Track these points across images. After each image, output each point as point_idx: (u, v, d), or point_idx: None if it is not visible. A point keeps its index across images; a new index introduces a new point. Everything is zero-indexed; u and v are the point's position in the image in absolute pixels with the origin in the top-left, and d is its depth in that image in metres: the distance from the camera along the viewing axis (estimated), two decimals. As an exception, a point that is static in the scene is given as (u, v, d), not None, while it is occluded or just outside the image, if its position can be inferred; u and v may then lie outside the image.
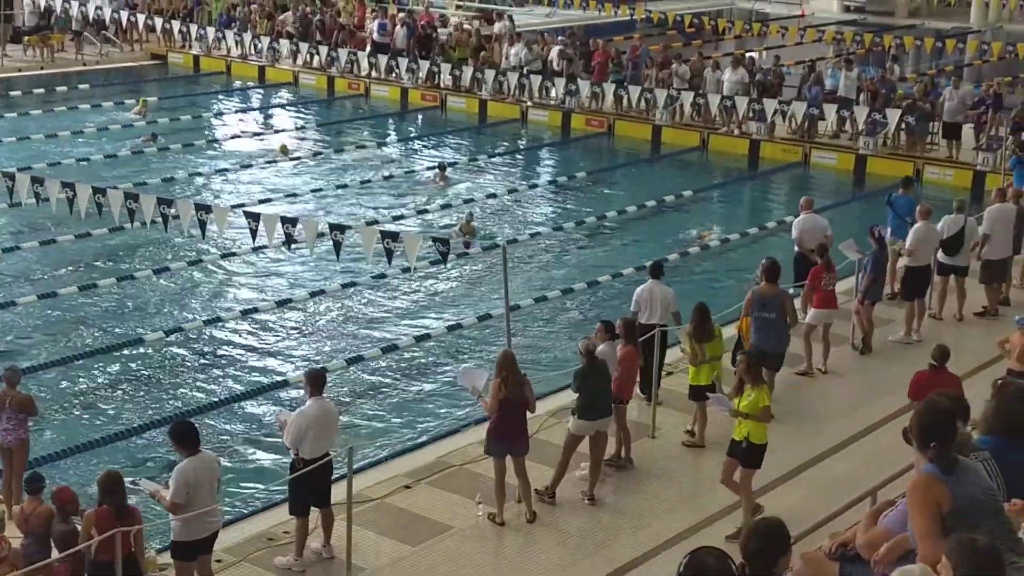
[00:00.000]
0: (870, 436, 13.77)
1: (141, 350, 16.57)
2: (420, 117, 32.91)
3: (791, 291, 15.49)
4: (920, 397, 12.91)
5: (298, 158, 27.56)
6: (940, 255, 17.19)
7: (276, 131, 30.35)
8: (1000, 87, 28.07)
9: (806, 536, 8.33)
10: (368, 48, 34.62)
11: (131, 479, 11.28)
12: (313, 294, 18.91)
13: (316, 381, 11.19)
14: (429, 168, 26.68)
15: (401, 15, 36.84)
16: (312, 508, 11.19)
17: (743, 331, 14.48)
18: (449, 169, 26.43)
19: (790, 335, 14.67)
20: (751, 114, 28.51)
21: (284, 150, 27.95)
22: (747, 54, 33.42)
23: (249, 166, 26.65)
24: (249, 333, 17.51)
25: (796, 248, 17.41)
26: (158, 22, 37.28)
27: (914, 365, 15.64)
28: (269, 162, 26.97)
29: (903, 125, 27.30)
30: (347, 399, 15.32)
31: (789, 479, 12.79)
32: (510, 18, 37.36)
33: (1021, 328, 13.61)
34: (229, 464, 13.20)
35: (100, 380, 15.86)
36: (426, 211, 23.73)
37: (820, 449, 13.48)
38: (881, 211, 19.36)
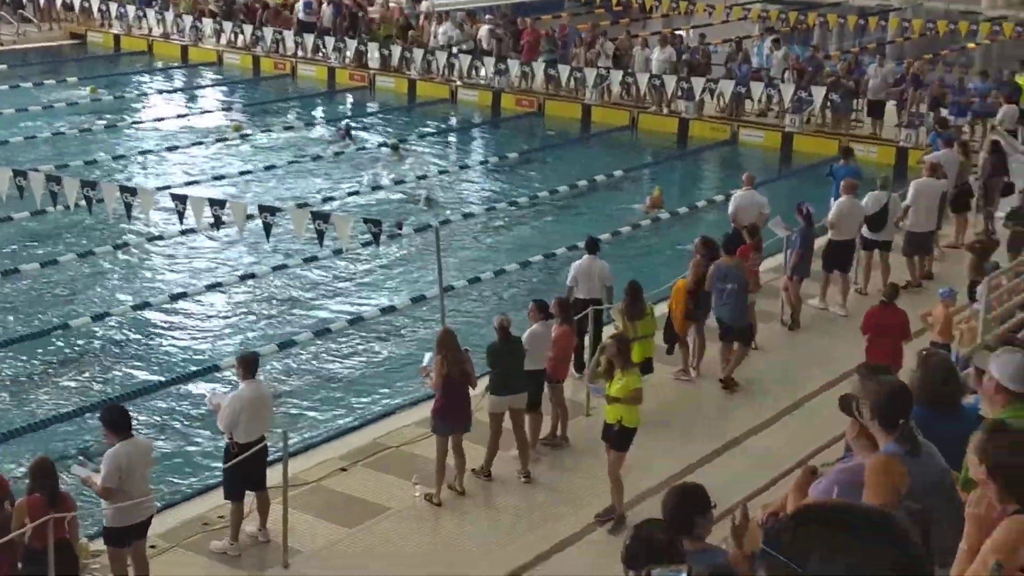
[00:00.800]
0: (800, 410, 13.99)
1: (68, 336, 16.30)
2: (348, 97, 32.66)
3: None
4: (872, 331, 13.48)
5: (227, 139, 27.26)
6: (865, 230, 17.45)
7: (202, 112, 29.94)
8: (920, 67, 28.50)
9: (738, 507, 8.41)
10: (294, 27, 34.26)
11: (64, 465, 11.13)
12: (244, 277, 18.73)
13: (248, 364, 11.11)
14: (336, 130, 27.12)
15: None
16: (247, 492, 11.12)
17: (673, 310, 14.58)
18: (376, 149, 26.30)
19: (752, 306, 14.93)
20: (679, 93, 28.68)
21: (237, 128, 27.73)
22: (675, 32, 33.57)
23: (175, 148, 26.26)
24: (179, 317, 17.30)
25: (733, 223, 17.63)
26: (76, 0, 36.55)
27: (841, 339, 16.00)
28: (195, 143, 26.61)
29: (828, 103, 27.65)
30: (281, 383, 15.20)
31: (722, 453, 12.95)
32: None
33: (944, 300, 13.88)
34: (162, 449, 13.07)
35: (27, 366, 15.58)
36: (356, 192, 23.57)
37: (752, 423, 13.66)
38: (808, 188, 19.64)
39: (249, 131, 27.95)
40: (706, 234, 15.35)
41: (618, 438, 11.51)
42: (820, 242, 17.43)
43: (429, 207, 22.59)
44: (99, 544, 10.53)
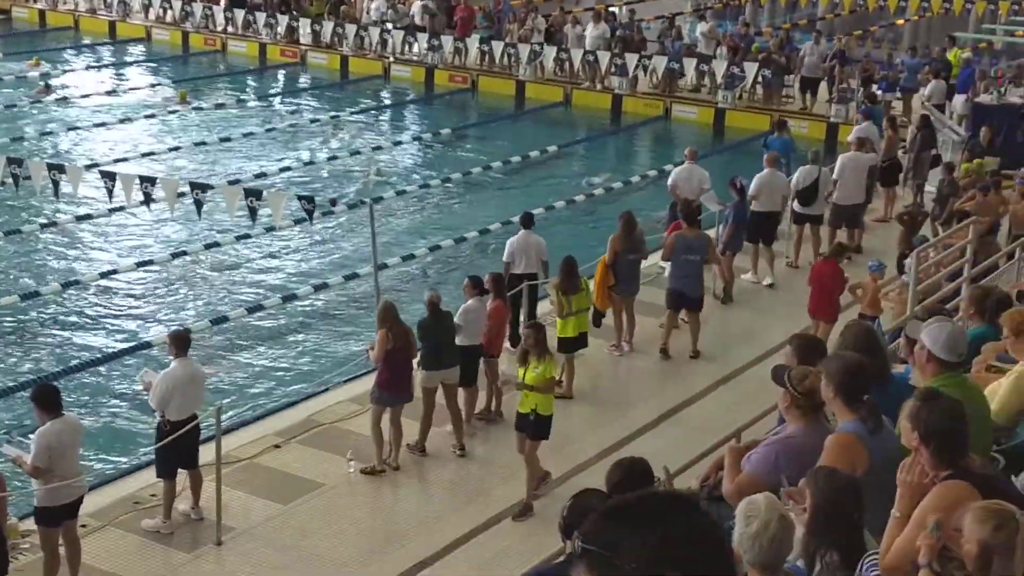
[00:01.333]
0: (733, 381, 14.12)
1: (-5, 315, 16.03)
2: (280, 74, 32.34)
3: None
4: (813, 283, 14.24)
5: (175, 109, 26.98)
6: (795, 205, 17.65)
7: (130, 88, 29.48)
8: (847, 43, 28.82)
9: (676, 476, 8.52)
10: (224, 2, 33.83)
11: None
12: (175, 255, 18.51)
13: (180, 341, 11.02)
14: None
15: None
16: (180, 470, 11.03)
17: (598, 284, 14.51)
18: (308, 126, 26.13)
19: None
20: (613, 69, 28.76)
21: (183, 97, 27.38)
22: (608, 8, 33.63)
23: (103, 124, 25.86)
24: (109, 295, 17.08)
25: (671, 195, 17.78)
26: (1, -25, 35.84)
27: (772, 312, 16.20)
28: (123, 120, 26.22)
29: (760, 79, 27.87)
30: (214, 360, 15.06)
31: (657, 424, 13.06)
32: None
33: (873, 273, 14.07)
34: (93, 427, 12.92)
35: (-48, 347, 15.31)
36: (288, 169, 23.37)
37: (686, 395, 13.78)
38: (741, 163, 19.79)
39: (193, 100, 27.58)
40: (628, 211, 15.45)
41: (536, 427, 11.33)
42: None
43: (378, 180, 22.53)
44: (29, 524, 10.39)
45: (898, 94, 26.41)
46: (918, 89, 26.03)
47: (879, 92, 25.16)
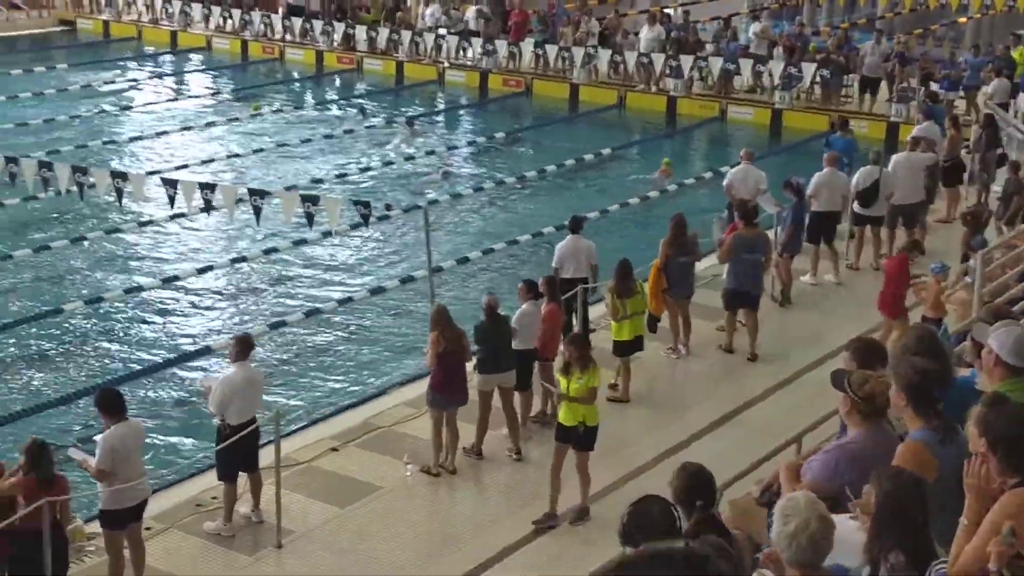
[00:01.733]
0: (792, 384, 14.01)
1: (61, 320, 16.28)
2: (337, 80, 32.58)
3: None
4: (884, 277, 14.18)
5: (252, 116, 27.50)
6: (856, 206, 17.45)
7: (190, 96, 29.86)
8: (906, 42, 28.43)
9: (734, 483, 8.46)
10: (282, 11, 34.16)
11: (60, 449, 11.13)
12: (234, 260, 18.71)
13: (243, 345, 11.15)
14: (404, 123, 26.87)
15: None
16: (240, 473, 11.14)
17: (652, 287, 14.44)
18: (365, 132, 26.32)
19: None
20: (668, 71, 28.64)
21: (257, 107, 27.93)
22: (663, 10, 33.52)
23: (165, 132, 26.21)
24: (170, 301, 17.29)
25: (727, 196, 17.72)
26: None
27: (832, 315, 16.04)
28: (184, 128, 26.56)
29: (818, 79, 27.62)
30: (272, 364, 15.20)
31: (715, 428, 12.99)
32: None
33: (936, 275, 13.85)
34: (155, 431, 13.10)
35: (20, 351, 15.56)
36: (344, 175, 23.54)
37: (744, 398, 13.69)
38: (798, 164, 19.61)
39: (235, 116, 27.89)
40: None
41: (584, 439, 11.11)
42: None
43: (446, 181, 22.91)
44: (95, 526, 10.54)
45: (961, 93, 26.04)
46: (981, 87, 25.65)
47: (941, 91, 24.85)
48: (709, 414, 13.31)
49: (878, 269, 17.71)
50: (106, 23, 36.31)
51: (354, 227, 18.47)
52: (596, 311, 15.30)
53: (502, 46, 30.82)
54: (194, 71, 33.12)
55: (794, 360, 14.68)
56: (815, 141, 26.14)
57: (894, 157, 18.24)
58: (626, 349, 13.70)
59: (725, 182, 17.87)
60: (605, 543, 10.06)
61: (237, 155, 24.72)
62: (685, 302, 14.84)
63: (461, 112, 30.40)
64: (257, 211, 15.32)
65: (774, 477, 6.89)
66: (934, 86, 25.37)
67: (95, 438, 10.23)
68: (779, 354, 14.97)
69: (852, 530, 5.23)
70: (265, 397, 11.86)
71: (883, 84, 27.29)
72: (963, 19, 39.69)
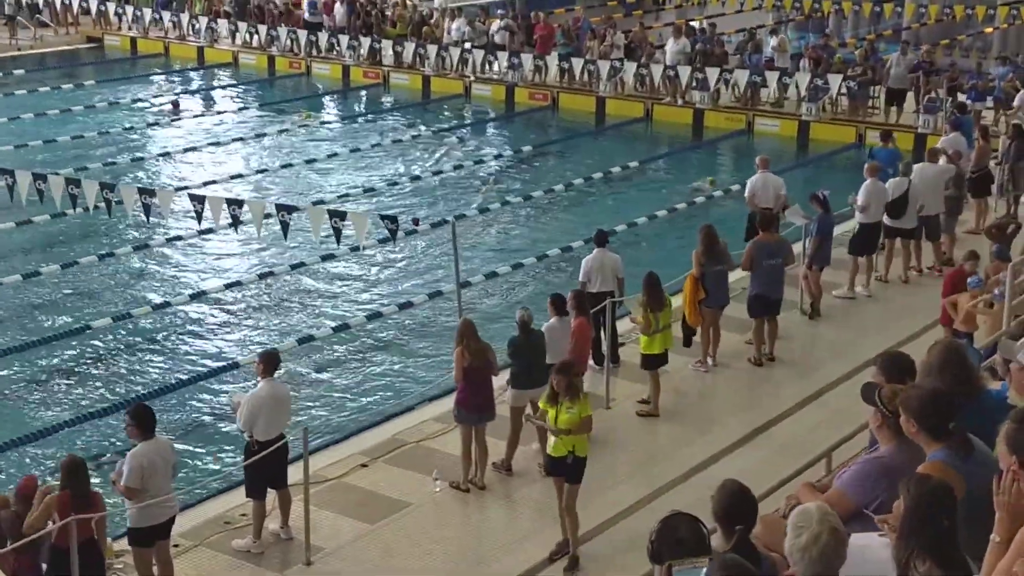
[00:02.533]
0: (822, 399, 13.93)
1: (89, 337, 16.36)
2: (363, 94, 32.69)
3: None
4: (952, 288, 13.99)
5: (304, 126, 27.97)
6: (885, 218, 17.33)
7: (218, 112, 30.02)
8: (931, 54, 28.26)
9: (764, 498, 8.39)
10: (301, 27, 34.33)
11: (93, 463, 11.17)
12: (262, 276, 18.76)
13: (270, 361, 11.19)
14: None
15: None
16: (269, 490, 11.14)
17: (688, 298, 14.45)
18: (392, 146, 26.41)
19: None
20: (694, 83, 28.60)
21: (308, 116, 28.38)
22: (689, 23, 33.49)
23: (193, 148, 26.35)
24: (198, 317, 17.35)
25: (749, 206, 17.68)
26: (93, 4, 36.70)
27: (861, 328, 15.95)
28: (212, 143, 26.69)
29: (844, 91, 27.52)
30: (300, 379, 15.23)
31: (745, 443, 12.92)
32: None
33: (972, 290, 13.72)
34: (184, 448, 13.13)
35: (50, 367, 15.65)
36: (372, 189, 23.60)
37: (774, 413, 13.62)
38: (826, 175, 19.52)
39: (262, 131, 28.02)
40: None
41: (573, 470, 10.76)
42: (840, 229, 17.37)
43: (494, 188, 23.46)
44: (123, 544, 10.57)
45: (989, 103, 25.87)
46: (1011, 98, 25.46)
47: (969, 102, 24.69)
48: (738, 429, 13.24)
49: (907, 281, 17.64)
50: (133, 40, 36.54)
51: (382, 242, 18.49)
52: (624, 325, 15.25)
53: (528, 60, 30.86)
54: (221, 87, 33.30)
55: (823, 374, 14.60)
56: (841, 153, 26.13)
57: (915, 168, 18.11)
58: (655, 362, 13.67)
59: (747, 193, 17.90)
60: (639, 557, 10.04)
61: (264, 170, 24.83)
62: (718, 312, 14.81)
63: (488, 126, 30.42)
64: (285, 226, 15.37)
65: (797, 498, 6.83)
66: (961, 97, 25.20)
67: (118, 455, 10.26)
68: (808, 367, 14.90)
69: (882, 547, 5.18)
70: (294, 412, 11.87)
71: (909, 95, 27.14)
72: (989, 29, 39.46)
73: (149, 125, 28.49)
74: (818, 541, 4.71)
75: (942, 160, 18.30)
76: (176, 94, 31.51)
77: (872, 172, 17.11)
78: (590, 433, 10.96)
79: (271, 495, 11.19)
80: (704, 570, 4.99)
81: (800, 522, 4.80)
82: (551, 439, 10.85)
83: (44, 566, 9.53)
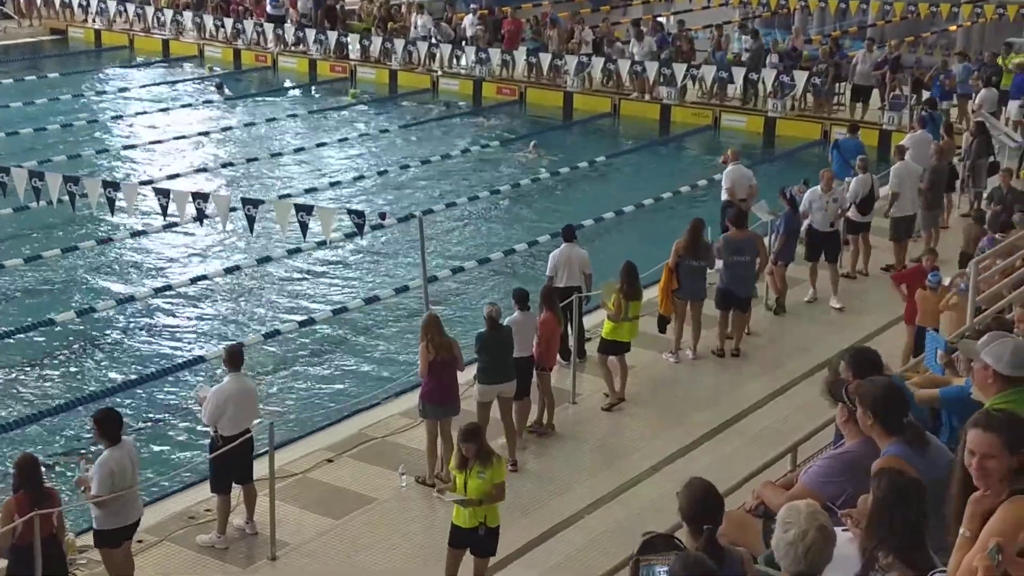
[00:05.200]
0: (788, 393, 13.99)
1: (52, 331, 16.20)
2: (330, 89, 32.52)
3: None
4: (903, 281, 14.19)
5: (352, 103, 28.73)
6: (853, 213, 17.38)
7: (183, 105, 29.80)
8: (898, 49, 28.41)
9: (731, 493, 8.41)
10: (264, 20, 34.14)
11: (51, 461, 11.05)
12: (228, 270, 18.65)
13: (234, 356, 11.11)
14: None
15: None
16: (234, 484, 11.08)
17: (662, 287, 14.56)
18: (358, 140, 26.32)
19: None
20: (661, 79, 28.66)
21: (354, 95, 29.53)
22: (656, 19, 33.54)
23: (158, 142, 26.15)
24: (163, 311, 17.22)
25: (725, 197, 17.74)
26: (57, -4, 36.39)
27: (826, 323, 16.06)
28: (177, 137, 26.49)
29: (810, 87, 27.65)
30: (266, 374, 15.15)
31: (711, 437, 12.97)
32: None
33: (929, 285, 13.81)
34: (148, 443, 13.05)
35: (11, 363, 15.48)
36: (338, 183, 23.51)
37: (741, 407, 13.68)
38: (793, 172, 19.62)
39: (229, 125, 27.85)
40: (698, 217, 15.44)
41: (484, 543, 9.86)
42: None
43: (538, 156, 24.67)
44: (85, 539, 10.48)
45: (954, 101, 26.05)
46: (972, 95, 25.66)
47: (937, 99, 24.86)
48: (705, 423, 13.28)
49: (867, 275, 17.73)
50: (97, 32, 36.24)
51: (348, 236, 18.43)
52: (590, 320, 15.27)
53: (495, 54, 30.82)
54: (186, 80, 33.04)
55: (789, 368, 14.67)
56: (807, 149, 26.26)
57: (895, 167, 18.12)
58: (615, 349, 13.74)
59: (726, 184, 17.97)
60: (608, 551, 10.06)
61: (231, 164, 24.67)
62: (698, 305, 14.89)
63: (455, 120, 30.34)
64: (251, 220, 15.26)
65: (755, 499, 6.84)
66: (926, 94, 25.36)
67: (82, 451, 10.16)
68: (774, 363, 14.96)
69: (844, 542, 5.20)
70: (260, 407, 11.79)
71: (875, 92, 27.30)
72: (953, 27, 39.78)
73: (114, 118, 28.24)
74: (804, 538, 4.73)
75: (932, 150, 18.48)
76: (216, 76, 32.30)
77: (827, 182, 16.86)
78: (502, 501, 9.90)
79: (236, 490, 11.12)
80: (666, 567, 5.02)
81: (788, 518, 4.82)
82: (458, 509, 9.80)
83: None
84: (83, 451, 12.05)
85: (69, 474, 11.62)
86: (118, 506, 9.80)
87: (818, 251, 16.75)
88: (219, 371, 12.18)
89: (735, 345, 15.08)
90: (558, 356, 13.87)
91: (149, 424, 13.92)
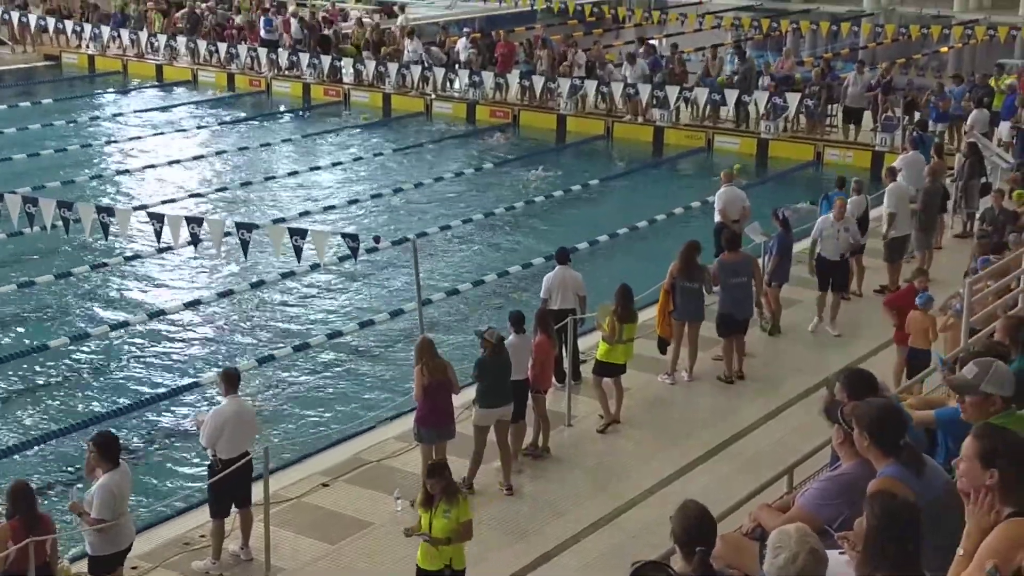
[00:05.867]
0: (783, 415, 13.98)
1: (46, 357, 16.16)
2: (324, 113, 32.57)
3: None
4: (895, 304, 14.04)
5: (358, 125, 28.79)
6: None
7: (177, 130, 29.83)
8: (890, 71, 28.52)
9: (726, 516, 8.39)
10: (258, 44, 34.23)
11: (47, 488, 11.01)
12: (222, 294, 18.64)
13: (230, 380, 11.12)
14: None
15: (292, 7, 36.69)
16: (231, 509, 11.04)
17: (659, 309, 14.57)
18: (352, 164, 26.37)
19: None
20: (654, 102, 28.74)
21: (365, 119, 29.62)
22: (648, 42, 33.66)
23: (151, 166, 26.16)
24: (157, 336, 17.19)
25: (718, 219, 17.76)
26: (51, 22, 36.42)
27: (820, 345, 16.05)
28: (171, 162, 26.50)
29: (803, 109, 27.74)
30: (261, 398, 15.12)
31: (707, 459, 12.95)
32: (401, 8, 37.25)
33: (919, 307, 13.81)
34: (143, 469, 13.01)
35: (5, 388, 15.45)
36: (332, 207, 23.52)
37: (736, 429, 13.66)
38: (786, 193, 19.64)
39: (223, 149, 27.88)
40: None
41: None
42: (800, 247, 17.49)
43: (542, 176, 25.33)
44: (79, 566, 10.42)
45: (948, 122, 26.13)
46: (964, 117, 25.75)
47: (930, 121, 24.95)
48: (701, 445, 13.27)
49: (860, 296, 17.75)
50: (91, 58, 36.29)
51: (343, 260, 18.43)
52: (585, 342, 15.27)
53: (489, 77, 30.91)
54: (180, 104, 33.09)
55: (784, 390, 14.67)
56: (800, 171, 26.33)
57: (889, 188, 18.17)
58: (611, 371, 13.74)
59: (719, 206, 18.03)
60: (603, 575, 10.04)
61: (224, 188, 24.69)
62: (695, 326, 14.88)
63: (449, 143, 30.37)
64: (244, 244, 15.27)
65: (752, 523, 6.83)
66: (917, 115, 25.43)
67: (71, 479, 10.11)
68: (770, 384, 14.96)
69: (840, 564, 5.18)
70: (256, 430, 11.76)
71: (867, 114, 27.40)
72: (945, 48, 39.97)
73: (108, 143, 28.26)
74: (795, 561, 4.71)
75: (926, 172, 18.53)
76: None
77: (839, 211, 16.81)
78: (469, 540, 9.82)
79: (232, 514, 11.08)
80: None
81: (778, 542, 4.80)
82: (423, 549, 9.72)
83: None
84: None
85: (60, 506, 11.55)
86: (114, 532, 9.78)
87: (827, 281, 16.49)
88: (216, 394, 12.13)
89: (739, 368, 15.06)
90: (553, 379, 13.87)
91: (145, 449, 13.87)
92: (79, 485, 11.04)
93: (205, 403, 14.25)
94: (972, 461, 4.96)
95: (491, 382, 12.24)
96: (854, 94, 27.16)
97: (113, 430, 10.79)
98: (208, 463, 11.13)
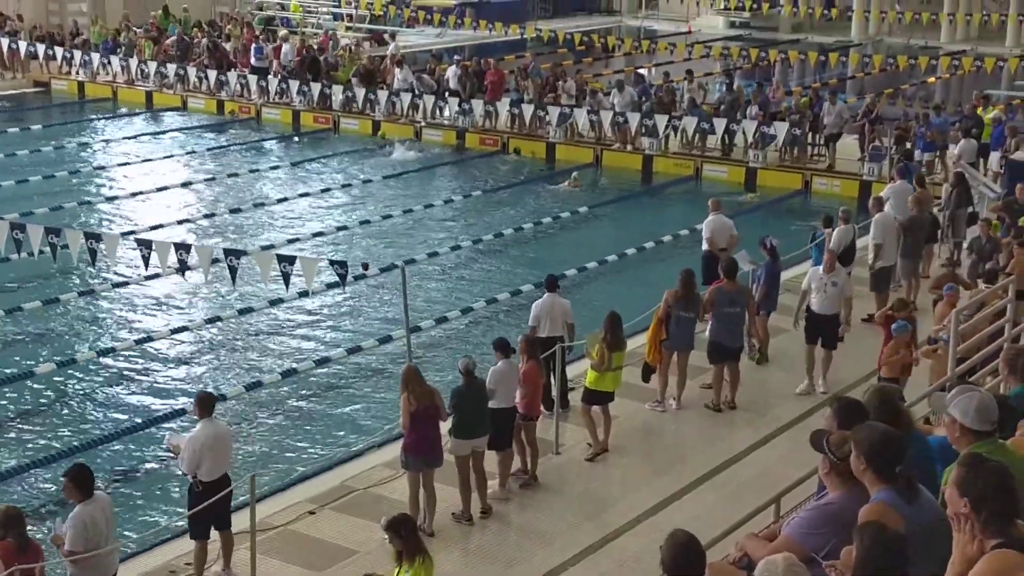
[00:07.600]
0: (771, 443, 13.98)
1: (34, 383, 16.10)
2: (313, 139, 32.62)
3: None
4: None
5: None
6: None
7: (166, 156, 29.83)
8: (876, 103, 28.72)
9: (714, 545, 8.38)
10: (248, 72, 34.33)
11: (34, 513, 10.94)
12: (209, 321, 18.60)
13: (205, 403, 11.13)
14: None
15: (283, 32, 36.84)
16: (212, 531, 11.00)
17: (651, 337, 14.55)
18: (340, 190, 26.37)
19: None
20: (643, 130, 28.86)
21: (383, 136, 29.74)
22: (637, 71, 33.82)
23: (140, 193, 26.15)
24: (145, 362, 17.14)
25: (705, 247, 17.78)
26: (40, 48, 36.46)
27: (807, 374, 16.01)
28: (159, 188, 26.49)
29: (790, 137, 27.88)
30: (247, 425, 15.07)
31: (695, 487, 12.92)
32: (392, 36, 37.40)
33: (899, 336, 13.80)
34: (128, 496, 12.95)
35: (-11, 415, 15.39)
36: (320, 233, 23.52)
37: (724, 457, 13.64)
38: (774, 222, 19.69)
39: (212, 175, 27.88)
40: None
41: None
42: (788, 274, 17.53)
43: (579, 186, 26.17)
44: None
45: (936, 152, 26.27)
46: (949, 147, 25.91)
47: (918, 151, 25.08)
48: (689, 473, 13.24)
49: (849, 325, 17.72)
50: (81, 84, 36.33)
51: (331, 287, 18.41)
52: (574, 370, 15.25)
53: (478, 105, 31.01)
54: (170, 131, 33.12)
55: (772, 418, 14.66)
56: (789, 199, 26.43)
57: (876, 218, 18.25)
58: (600, 399, 13.72)
59: (706, 235, 18.06)
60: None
61: (212, 215, 24.67)
62: (685, 355, 14.87)
63: (438, 170, 30.41)
64: (233, 271, 15.25)
65: (739, 552, 6.82)
66: (908, 147, 25.56)
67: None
68: (758, 412, 14.94)
69: None
70: (241, 459, 11.73)
71: (853, 142, 27.57)
72: (932, 79, 40.23)
73: (96, 169, 28.25)
74: None
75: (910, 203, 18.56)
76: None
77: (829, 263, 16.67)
78: None
79: (214, 537, 11.03)
80: None
81: (766, 572, 4.80)
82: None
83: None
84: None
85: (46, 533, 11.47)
86: (94, 562, 9.71)
87: (815, 335, 15.54)
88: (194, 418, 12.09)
89: (731, 397, 15.00)
90: (541, 406, 13.84)
91: (130, 476, 13.80)
92: (60, 516, 10.99)
93: (182, 428, 14.17)
94: (951, 488, 4.99)
95: (467, 412, 12.19)
96: (830, 123, 27.50)
97: (96, 457, 10.74)
98: (188, 487, 11.07)
